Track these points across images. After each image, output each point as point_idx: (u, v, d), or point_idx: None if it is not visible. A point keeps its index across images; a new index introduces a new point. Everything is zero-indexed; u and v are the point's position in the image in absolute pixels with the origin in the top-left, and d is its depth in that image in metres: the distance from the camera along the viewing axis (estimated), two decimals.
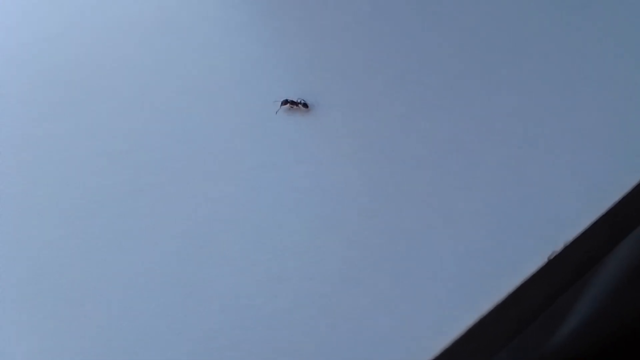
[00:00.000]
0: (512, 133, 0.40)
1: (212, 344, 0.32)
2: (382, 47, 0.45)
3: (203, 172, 0.40)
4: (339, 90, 0.43)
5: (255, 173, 0.39)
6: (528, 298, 0.35)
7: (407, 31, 0.46)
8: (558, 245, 0.35)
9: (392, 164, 0.39)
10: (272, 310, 0.33)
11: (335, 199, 0.37)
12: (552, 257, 0.34)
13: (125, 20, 0.49)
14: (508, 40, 0.45)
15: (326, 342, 0.32)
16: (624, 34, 0.45)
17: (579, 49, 0.44)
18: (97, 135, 0.42)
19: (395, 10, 0.47)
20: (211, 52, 0.47)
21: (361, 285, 0.34)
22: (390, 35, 0.46)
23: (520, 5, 0.47)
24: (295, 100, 0.42)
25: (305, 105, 0.42)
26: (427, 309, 0.33)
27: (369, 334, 0.32)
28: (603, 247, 0.40)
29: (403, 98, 0.42)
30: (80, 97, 0.45)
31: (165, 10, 0.50)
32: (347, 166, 0.39)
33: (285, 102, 0.42)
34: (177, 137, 0.42)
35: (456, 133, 0.40)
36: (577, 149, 0.38)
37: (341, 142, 0.40)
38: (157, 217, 0.38)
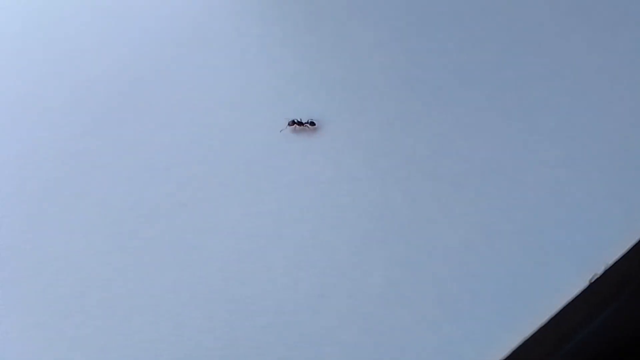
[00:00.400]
0: (551, 154, 0.40)
1: None
2: (418, 65, 0.45)
3: (244, 188, 0.40)
4: (376, 108, 0.43)
5: (296, 189, 0.40)
6: (569, 320, 0.35)
7: (444, 49, 0.46)
8: (599, 268, 0.35)
9: (431, 184, 0.39)
10: (316, 328, 0.34)
11: (375, 217, 0.38)
12: (593, 280, 0.34)
13: (163, 35, 0.50)
14: (546, 61, 0.45)
15: None
16: None
17: (616, 71, 0.44)
18: (138, 150, 0.43)
19: (431, 28, 0.47)
20: (248, 67, 0.47)
21: (403, 305, 0.34)
22: (426, 53, 0.46)
23: (556, 27, 0.47)
24: (301, 121, 0.42)
25: (312, 124, 0.42)
26: (470, 330, 0.33)
27: (411, 354, 0.32)
28: None
29: (442, 117, 0.42)
30: (119, 112, 0.45)
31: (204, 25, 0.50)
32: (386, 184, 0.39)
33: (293, 122, 0.42)
34: (217, 152, 0.42)
35: (495, 153, 0.40)
36: (616, 172, 0.38)
37: (380, 160, 0.40)
38: (200, 233, 0.38)
